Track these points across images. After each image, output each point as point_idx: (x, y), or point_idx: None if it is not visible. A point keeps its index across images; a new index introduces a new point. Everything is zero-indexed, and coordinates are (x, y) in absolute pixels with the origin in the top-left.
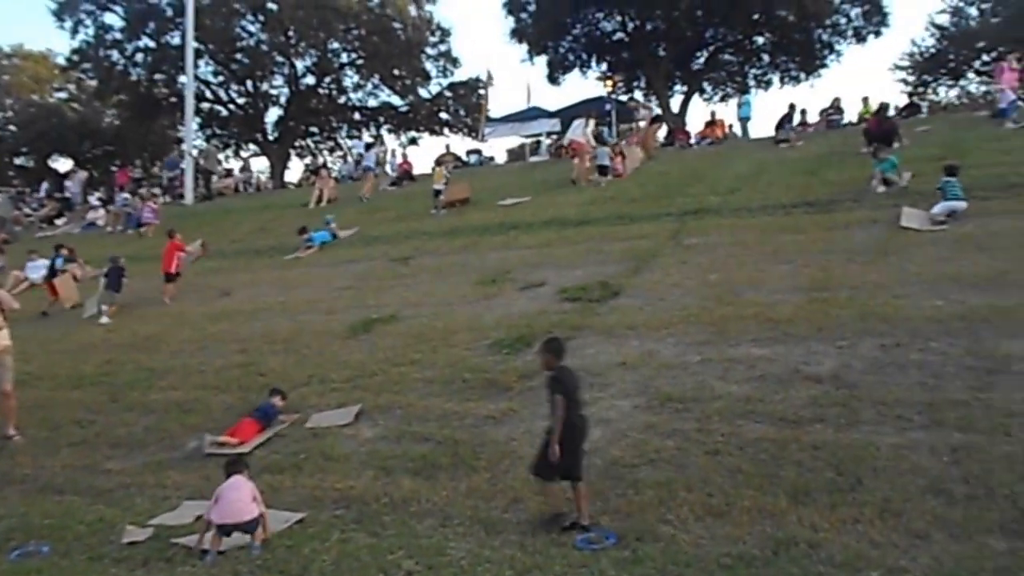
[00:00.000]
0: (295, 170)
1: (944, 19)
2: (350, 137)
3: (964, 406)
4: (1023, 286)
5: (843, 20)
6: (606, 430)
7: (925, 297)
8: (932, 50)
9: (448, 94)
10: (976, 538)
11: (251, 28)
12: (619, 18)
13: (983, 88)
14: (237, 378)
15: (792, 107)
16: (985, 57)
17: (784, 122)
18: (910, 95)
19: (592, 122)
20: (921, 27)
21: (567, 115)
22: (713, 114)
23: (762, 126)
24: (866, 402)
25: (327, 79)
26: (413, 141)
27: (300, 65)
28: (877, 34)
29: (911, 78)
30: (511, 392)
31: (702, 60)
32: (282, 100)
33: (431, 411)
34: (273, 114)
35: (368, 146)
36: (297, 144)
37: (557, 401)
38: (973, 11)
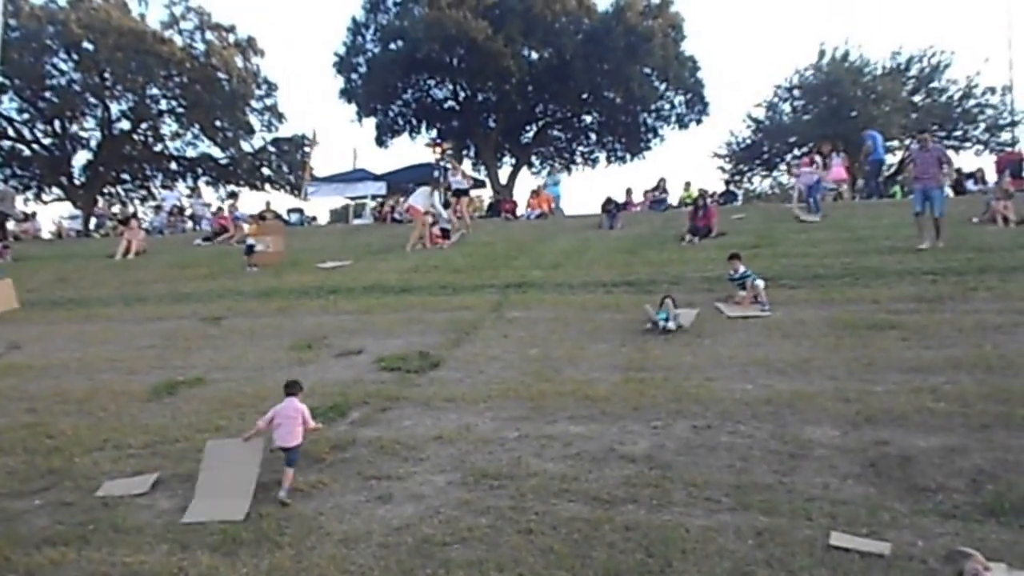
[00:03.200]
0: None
1: (760, 113)
2: (164, 187)
3: (769, 490)
4: (825, 373)
5: (667, 106)
6: (418, 506)
7: (736, 381)
8: (748, 141)
9: (272, 149)
10: None
11: (63, 66)
12: (450, 86)
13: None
14: (22, 440)
15: (610, 200)
16: (796, 151)
17: (607, 209)
18: (727, 183)
19: (437, 193)
20: (739, 119)
21: (394, 179)
22: (539, 187)
23: (590, 202)
24: (678, 483)
25: (143, 125)
26: (232, 195)
27: (115, 108)
28: (698, 122)
29: (728, 166)
30: (322, 464)
31: (531, 134)
32: (93, 143)
33: None
34: (82, 157)
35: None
36: (106, 191)
37: None
38: (787, 108)
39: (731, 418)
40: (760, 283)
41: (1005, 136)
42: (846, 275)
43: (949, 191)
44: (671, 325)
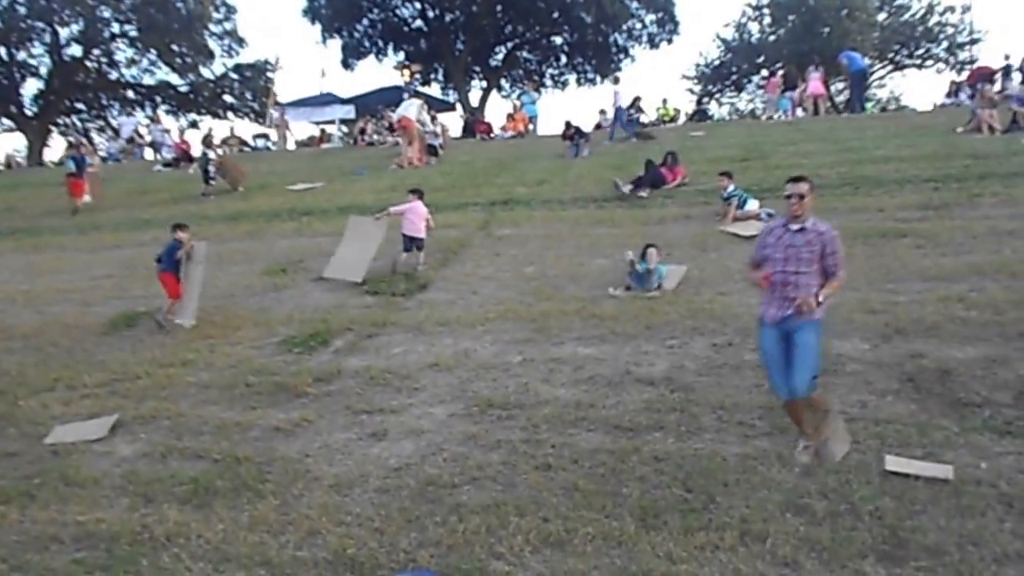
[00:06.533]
0: (56, 149)
1: (729, 33)
2: (127, 115)
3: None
4: (844, 285)
5: (638, 25)
6: (419, 442)
7: (751, 295)
8: (717, 61)
9: (234, 76)
10: (850, 564)
11: None
12: (418, 5)
13: (751, 106)
14: None
15: (569, 125)
16: (764, 72)
17: (569, 136)
18: (698, 103)
19: (425, 107)
20: (710, 39)
21: (363, 102)
22: (515, 107)
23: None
24: (704, 406)
25: (96, 51)
26: (194, 124)
27: (64, 33)
28: (669, 41)
29: (697, 87)
30: (305, 399)
31: (501, 56)
32: (43, 71)
33: (207, 422)
34: (32, 86)
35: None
36: (60, 121)
37: None
38: (755, 28)
39: (752, 334)
40: (755, 203)
41: (964, 55)
42: (845, 184)
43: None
44: (652, 281)
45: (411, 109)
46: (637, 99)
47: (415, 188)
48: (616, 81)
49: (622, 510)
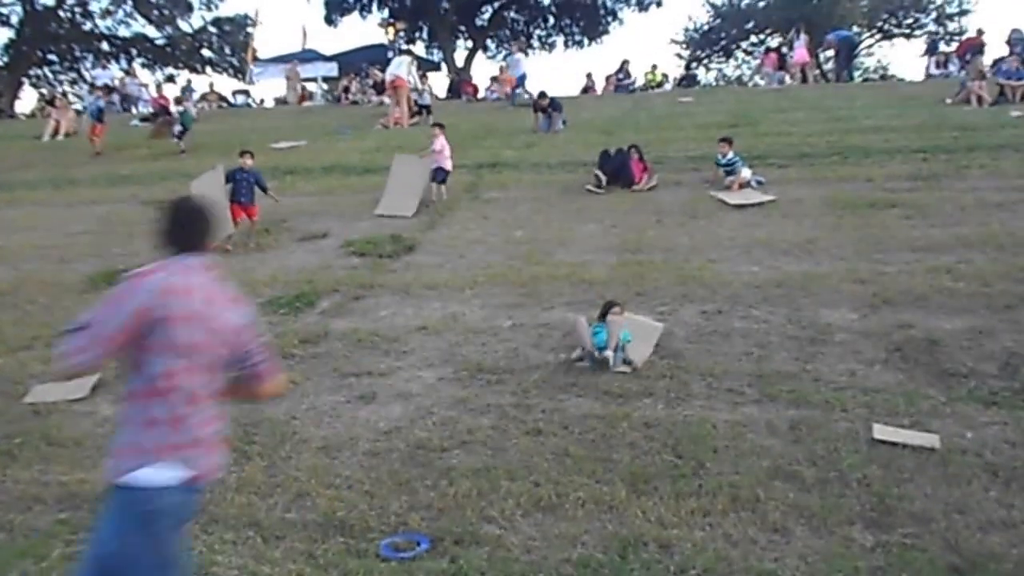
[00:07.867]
0: (28, 101)
1: None
2: (102, 67)
3: (793, 378)
4: (833, 254)
5: None
6: (407, 406)
7: (740, 262)
8: (706, 27)
9: (212, 29)
10: (838, 531)
11: None
12: None
13: (739, 72)
14: None
15: (543, 95)
16: (753, 38)
17: (541, 108)
18: (687, 68)
19: (414, 66)
20: (698, 3)
21: (345, 60)
22: (501, 69)
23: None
24: (694, 373)
25: (69, 0)
26: (170, 79)
27: None
28: (659, 4)
29: (686, 53)
30: (291, 360)
31: (487, 16)
32: (14, 20)
33: None
34: (3, 35)
35: None
36: (32, 73)
37: None
38: None
39: (742, 302)
40: (747, 172)
41: (953, 26)
42: (833, 153)
43: None
44: (616, 361)
45: (403, 67)
46: (625, 63)
47: (437, 122)
48: (522, 50)
49: (613, 475)
